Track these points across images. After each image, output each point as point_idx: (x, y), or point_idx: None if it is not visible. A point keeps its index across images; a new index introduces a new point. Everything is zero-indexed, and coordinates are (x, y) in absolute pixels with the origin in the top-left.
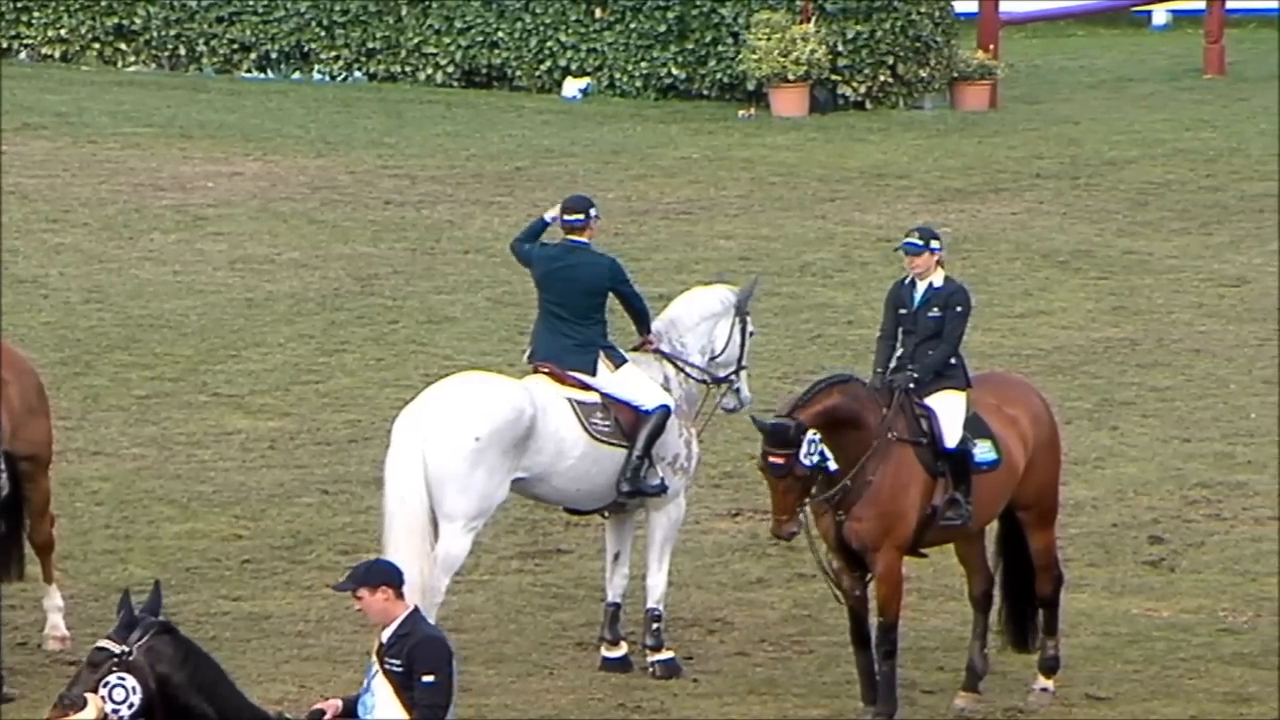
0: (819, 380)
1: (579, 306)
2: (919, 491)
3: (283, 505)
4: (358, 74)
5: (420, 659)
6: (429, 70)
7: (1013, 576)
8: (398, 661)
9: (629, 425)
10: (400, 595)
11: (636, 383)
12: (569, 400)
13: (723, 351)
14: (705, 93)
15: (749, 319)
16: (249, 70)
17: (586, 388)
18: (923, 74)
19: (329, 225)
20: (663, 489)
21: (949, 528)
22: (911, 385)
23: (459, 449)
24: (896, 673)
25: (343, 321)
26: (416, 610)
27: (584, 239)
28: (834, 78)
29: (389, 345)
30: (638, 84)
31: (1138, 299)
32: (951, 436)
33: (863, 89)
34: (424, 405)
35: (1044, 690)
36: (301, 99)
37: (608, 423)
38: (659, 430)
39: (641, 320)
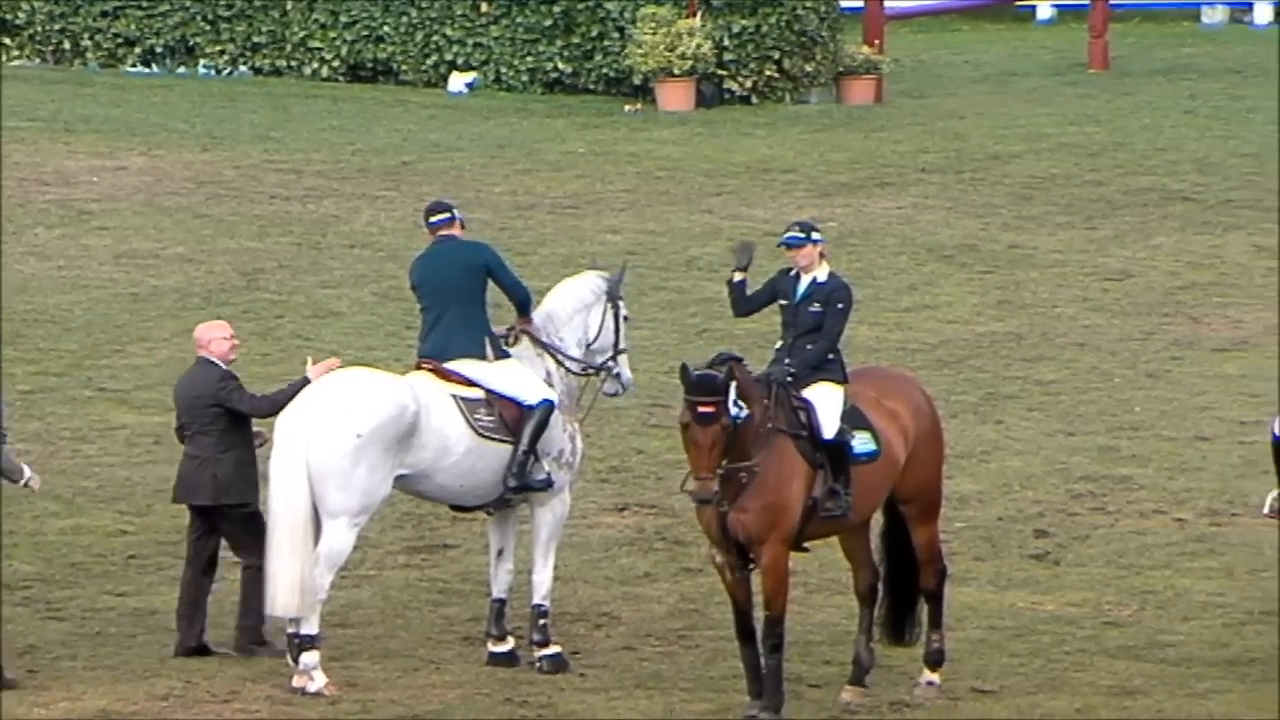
0: (719, 354)
1: (460, 289)
2: (802, 484)
3: (168, 500)
4: (243, 68)
5: None
6: (314, 65)
7: (896, 570)
8: None
9: (513, 421)
10: None
11: (519, 377)
12: (452, 396)
13: (597, 338)
14: (591, 87)
15: (621, 303)
16: (133, 65)
17: (470, 384)
18: (808, 69)
19: (214, 220)
20: (549, 484)
21: (829, 519)
22: (789, 379)
23: (340, 446)
24: (783, 667)
25: (228, 316)
26: None
27: (453, 233)
28: (720, 72)
29: (275, 340)
30: (524, 78)
31: (1022, 293)
32: (829, 428)
33: (748, 83)
34: (306, 403)
35: (930, 684)
36: (186, 93)
37: (491, 418)
38: (543, 425)
39: (524, 310)
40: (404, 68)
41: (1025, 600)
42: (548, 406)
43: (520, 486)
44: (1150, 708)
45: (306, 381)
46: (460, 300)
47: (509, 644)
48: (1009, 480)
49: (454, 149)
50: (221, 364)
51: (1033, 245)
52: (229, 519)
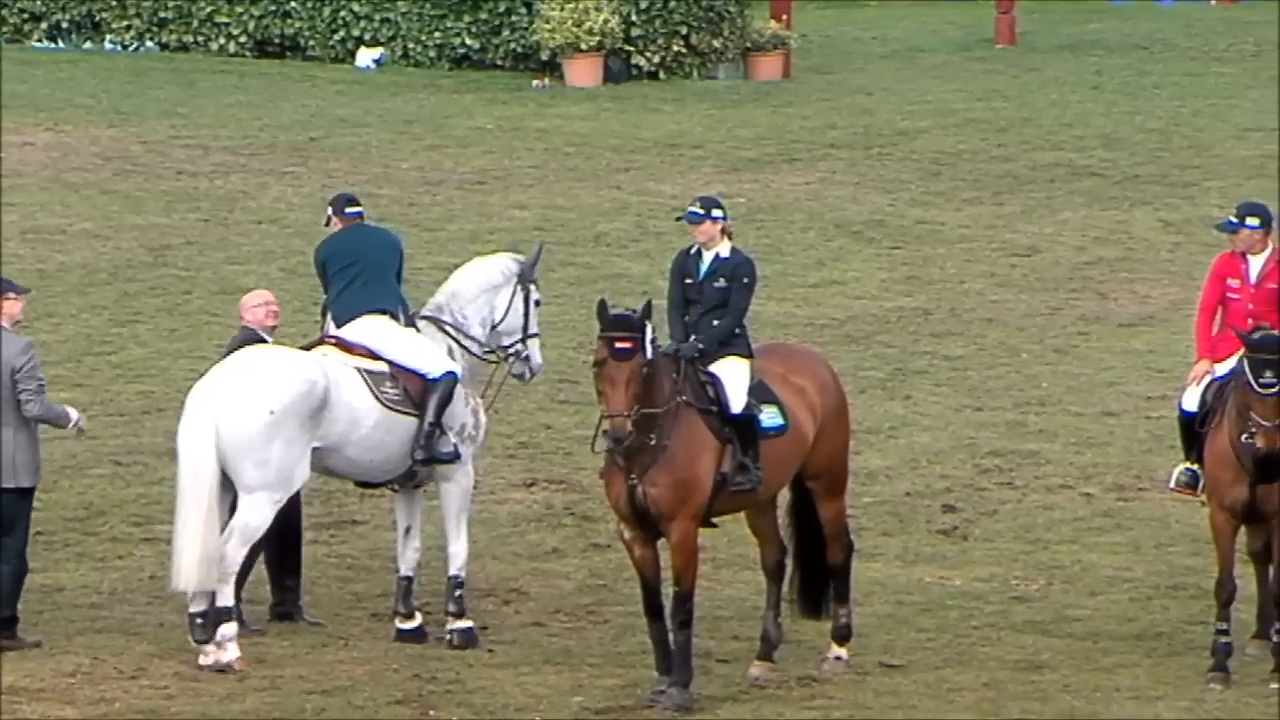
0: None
1: (377, 260)
2: (712, 459)
3: (75, 477)
4: (150, 44)
5: None
6: (221, 40)
7: (805, 546)
8: None
9: (418, 393)
10: None
11: (421, 349)
12: (358, 370)
13: (503, 320)
14: (499, 63)
15: (534, 287)
16: (40, 40)
17: (374, 357)
18: (716, 44)
19: (121, 196)
20: (456, 455)
21: (739, 494)
22: (696, 355)
23: (254, 422)
24: (691, 642)
25: (135, 292)
26: None
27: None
28: (628, 48)
29: (182, 316)
30: (431, 54)
31: (930, 268)
32: (737, 402)
33: (656, 59)
34: (216, 380)
35: (838, 659)
36: (93, 69)
37: (397, 391)
38: (448, 398)
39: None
40: (311, 43)
41: (933, 575)
42: (451, 379)
43: (428, 459)
44: (1057, 682)
45: None
46: (376, 268)
47: (416, 620)
48: (917, 455)
49: (362, 125)
50: (261, 331)
51: (940, 221)
52: None
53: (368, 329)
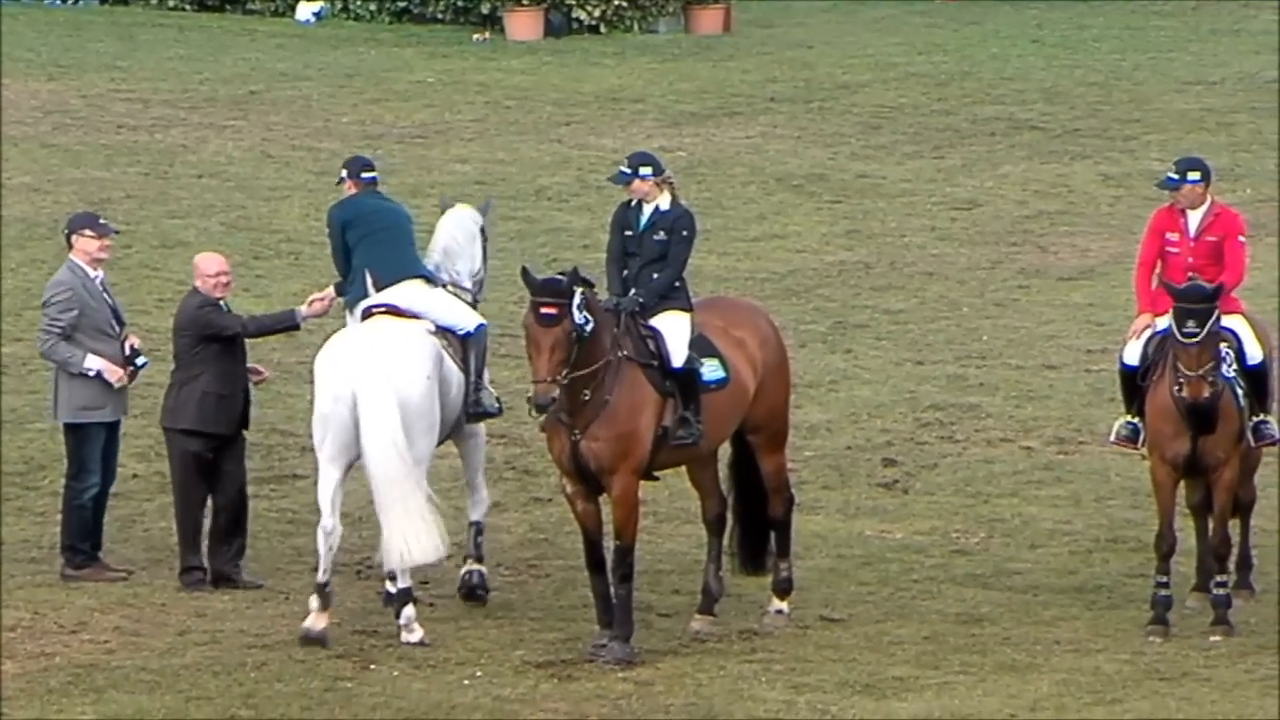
0: (573, 268)
1: (402, 230)
2: (653, 413)
3: (15, 431)
4: None
5: None
6: None
7: (746, 500)
8: None
9: (460, 350)
10: None
11: (452, 306)
12: (429, 334)
13: (480, 269)
14: (440, 16)
15: (487, 235)
16: None
17: (419, 319)
18: None
19: (61, 149)
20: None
21: (680, 447)
22: (636, 309)
23: (419, 390)
24: (633, 596)
25: None
26: None
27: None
28: (568, 1)
29: (123, 270)
30: (371, 7)
31: (871, 222)
32: (678, 356)
33: (597, 12)
34: (366, 359)
35: (779, 612)
36: (32, 22)
37: (453, 350)
38: (485, 349)
39: None
40: None
41: (874, 528)
42: (484, 329)
43: (478, 414)
44: (997, 635)
45: (292, 314)
46: (401, 236)
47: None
48: (858, 409)
49: (302, 78)
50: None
51: (881, 174)
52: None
53: (407, 294)
